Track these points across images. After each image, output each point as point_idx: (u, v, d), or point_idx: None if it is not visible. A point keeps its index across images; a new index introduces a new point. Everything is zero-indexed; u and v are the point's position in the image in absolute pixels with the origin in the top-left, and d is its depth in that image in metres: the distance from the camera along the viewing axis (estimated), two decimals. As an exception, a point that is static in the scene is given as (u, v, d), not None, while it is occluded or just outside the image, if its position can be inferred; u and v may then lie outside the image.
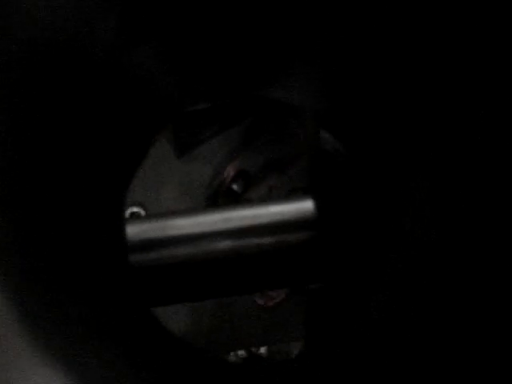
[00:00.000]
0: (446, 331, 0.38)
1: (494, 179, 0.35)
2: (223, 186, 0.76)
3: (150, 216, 0.59)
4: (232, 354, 0.83)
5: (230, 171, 0.76)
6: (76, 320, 0.38)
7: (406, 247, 0.41)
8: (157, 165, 0.77)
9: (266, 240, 0.50)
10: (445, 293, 0.38)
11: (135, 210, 0.75)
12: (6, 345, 0.26)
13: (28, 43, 0.32)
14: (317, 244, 0.50)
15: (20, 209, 0.38)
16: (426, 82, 0.39)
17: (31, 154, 0.36)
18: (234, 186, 0.76)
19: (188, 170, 0.77)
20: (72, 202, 0.41)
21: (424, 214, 0.39)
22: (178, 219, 0.50)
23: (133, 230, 0.48)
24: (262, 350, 0.83)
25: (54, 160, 0.39)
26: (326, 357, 0.46)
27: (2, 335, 0.27)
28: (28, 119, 0.34)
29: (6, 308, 0.29)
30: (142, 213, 0.76)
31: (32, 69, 0.33)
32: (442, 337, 0.38)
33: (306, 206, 0.51)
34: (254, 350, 0.83)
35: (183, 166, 0.77)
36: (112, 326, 0.41)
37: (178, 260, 0.49)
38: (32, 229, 0.39)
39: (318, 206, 0.50)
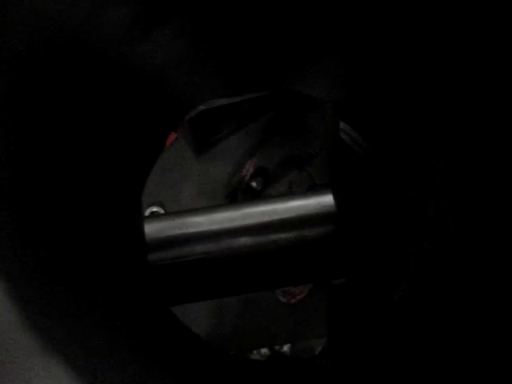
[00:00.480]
0: (470, 326, 0.37)
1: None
2: (242, 183, 0.76)
3: (168, 214, 0.59)
4: (255, 352, 0.82)
5: (248, 168, 0.76)
6: (92, 322, 0.38)
7: (428, 239, 0.40)
8: (175, 164, 0.76)
9: (286, 235, 0.49)
10: (468, 285, 0.37)
11: (155, 209, 0.75)
12: (16, 346, 0.26)
13: (29, 38, 0.32)
14: (338, 238, 0.49)
15: (37, 206, 0.37)
16: (442, 74, 0.39)
17: (43, 152, 0.35)
18: (253, 184, 0.75)
19: (207, 169, 0.77)
20: (88, 200, 0.40)
21: (445, 205, 0.38)
22: (196, 216, 0.49)
23: (151, 229, 0.48)
24: (286, 347, 0.83)
25: (69, 158, 0.38)
26: (348, 353, 0.46)
27: (12, 339, 0.26)
28: (35, 117, 0.33)
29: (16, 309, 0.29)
30: (162, 212, 0.75)
31: (34, 67, 0.32)
32: (466, 332, 0.37)
33: (326, 200, 0.50)
34: (277, 347, 0.82)
35: (202, 165, 0.77)
36: (130, 326, 0.40)
37: (196, 258, 0.48)
38: (50, 229, 0.39)
39: (339, 199, 0.49)
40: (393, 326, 0.42)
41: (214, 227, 0.49)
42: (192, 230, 0.48)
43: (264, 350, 0.83)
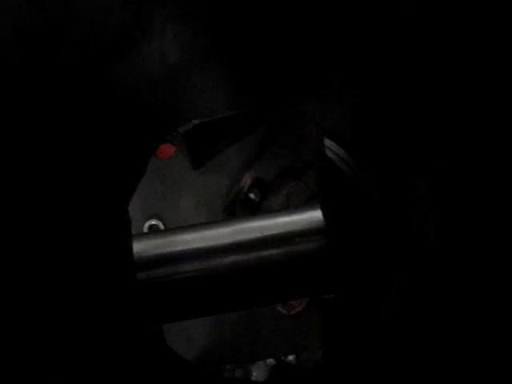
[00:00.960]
0: (456, 334, 0.37)
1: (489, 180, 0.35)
2: (240, 195, 0.76)
3: (157, 232, 0.59)
4: (261, 362, 0.82)
5: (246, 180, 0.76)
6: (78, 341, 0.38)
7: (412, 252, 0.40)
8: (173, 177, 0.77)
9: (276, 251, 0.49)
10: (451, 294, 0.37)
11: (153, 222, 0.75)
12: None
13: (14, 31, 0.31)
14: (327, 253, 0.49)
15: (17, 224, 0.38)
16: (424, 106, 0.39)
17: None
18: (251, 195, 0.76)
19: (205, 181, 0.77)
20: (71, 218, 0.41)
21: (427, 219, 0.38)
22: (186, 234, 0.49)
23: (140, 247, 0.48)
24: (291, 357, 0.83)
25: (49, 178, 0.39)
26: (341, 366, 0.46)
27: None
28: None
29: None
30: (161, 225, 0.76)
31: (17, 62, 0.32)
32: (452, 340, 0.37)
33: (315, 215, 0.50)
34: (282, 357, 0.82)
35: (200, 178, 0.77)
36: (116, 348, 0.40)
37: (186, 276, 0.48)
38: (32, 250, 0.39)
39: (327, 215, 0.49)
40: (381, 339, 0.42)
41: (204, 245, 0.49)
42: (181, 247, 0.49)
43: (269, 360, 0.83)
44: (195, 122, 0.69)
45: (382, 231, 0.45)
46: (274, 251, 0.48)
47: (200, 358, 0.75)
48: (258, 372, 0.81)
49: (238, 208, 0.76)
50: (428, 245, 0.40)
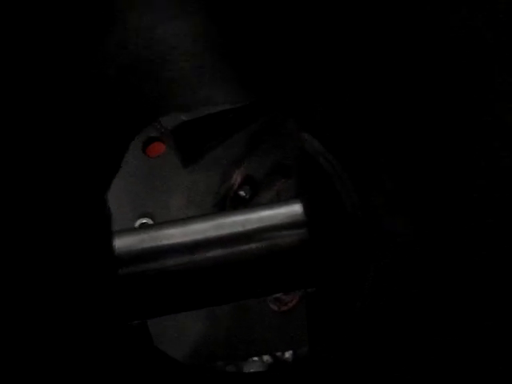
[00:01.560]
0: (428, 325, 0.37)
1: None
2: (230, 192, 0.76)
3: (140, 227, 0.59)
4: (257, 359, 0.82)
5: (236, 178, 0.76)
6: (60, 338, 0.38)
7: (386, 247, 0.40)
8: (163, 175, 0.77)
9: (257, 245, 0.49)
10: (422, 289, 0.37)
11: (144, 221, 0.76)
12: None
13: None
14: (308, 247, 0.49)
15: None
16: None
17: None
18: (242, 192, 0.76)
19: (195, 179, 0.77)
20: (51, 212, 0.41)
21: (400, 214, 0.39)
22: (168, 229, 0.50)
23: (121, 243, 0.48)
24: (287, 354, 0.83)
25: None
26: (326, 360, 0.46)
27: None
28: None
29: None
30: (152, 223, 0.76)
31: None
32: (424, 331, 0.37)
33: (296, 209, 0.50)
34: (278, 354, 0.82)
35: (190, 175, 0.77)
36: (96, 345, 0.41)
37: (169, 270, 0.49)
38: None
39: (307, 208, 0.50)
40: (357, 331, 0.42)
41: (185, 239, 0.49)
42: (163, 242, 0.49)
43: (266, 358, 0.83)
44: (183, 118, 0.69)
45: (358, 225, 0.45)
46: (254, 245, 0.49)
47: (192, 356, 0.75)
48: (252, 369, 0.81)
49: (228, 205, 0.76)
50: (400, 240, 0.40)
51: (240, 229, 0.49)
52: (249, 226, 0.50)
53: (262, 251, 0.49)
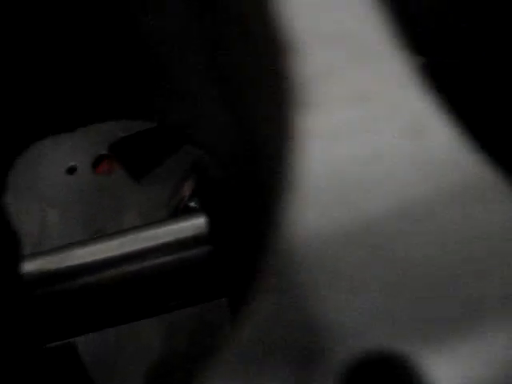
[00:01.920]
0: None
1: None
2: (181, 204, 0.77)
3: (51, 249, 0.60)
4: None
5: (186, 190, 0.77)
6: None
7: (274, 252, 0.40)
8: (115, 191, 0.78)
9: (163, 259, 0.50)
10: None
11: (98, 238, 0.77)
12: None
13: None
14: (213, 258, 0.50)
15: None
16: None
17: None
18: (192, 204, 0.77)
19: (146, 192, 0.78)
20: None
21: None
22: (76, 249, 0.51)
23: (30, 266, 0.50)
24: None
25: None
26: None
27: None
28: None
29: None
30: (107, 240, 0.77)
31: None
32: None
33: (199, 222, 0.51)
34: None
35: (142, 189, 0.79)
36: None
37: (77, 290, 0.50)
38: None
39: (209, 221, 0.50)
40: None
41: (92, 259, 0.50)
42: (69, 263, 0.50)
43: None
44: (121, 134, 0.70)
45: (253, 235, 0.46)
46: (158, 260, 0.50)
47: (152, 368, 0.76)
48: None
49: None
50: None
51: (144, 244, 0.50)
52: (153, 242, 0.51)
53: (169, 265, 0.50)
